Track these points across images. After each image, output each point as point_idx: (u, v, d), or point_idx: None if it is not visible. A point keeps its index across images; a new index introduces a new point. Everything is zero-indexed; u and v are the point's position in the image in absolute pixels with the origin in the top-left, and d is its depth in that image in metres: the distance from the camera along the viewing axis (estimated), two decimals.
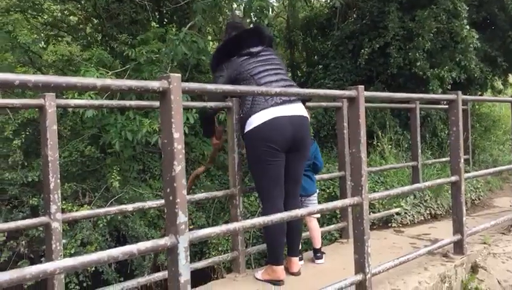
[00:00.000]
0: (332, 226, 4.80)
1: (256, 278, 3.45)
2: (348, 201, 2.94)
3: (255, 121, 3.23)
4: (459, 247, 3.84)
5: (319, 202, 5.32)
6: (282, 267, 3.37)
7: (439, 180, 4.13)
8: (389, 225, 5.15)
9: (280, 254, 3.36)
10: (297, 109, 3.31)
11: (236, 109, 3.46)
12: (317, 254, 3.90)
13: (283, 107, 3.23)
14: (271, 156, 3.23)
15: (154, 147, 6.65)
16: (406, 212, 5.23)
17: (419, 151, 5.70)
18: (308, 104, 4.29)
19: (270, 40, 3.62)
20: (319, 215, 4.21)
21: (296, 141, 3.29)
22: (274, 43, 4.66)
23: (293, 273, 3.50)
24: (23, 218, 5.81)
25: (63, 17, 8.25)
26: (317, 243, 3.92)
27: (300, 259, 3.74)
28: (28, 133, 6.17)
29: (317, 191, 4.12)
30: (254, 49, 3.43)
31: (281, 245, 3.38)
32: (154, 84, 1.90)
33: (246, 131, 3.30)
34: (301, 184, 3.74)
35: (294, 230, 3.48)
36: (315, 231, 3.93)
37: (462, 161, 3.78)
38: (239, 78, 3.35)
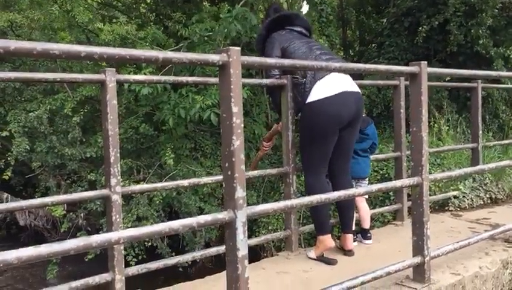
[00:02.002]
0: (386, 208, 4.70)
1: (309, 257, 3.44)
2: (407, 181, 2.84)
3: (318, 91, 3.16)
4: None
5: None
6: (329, 235, 3.36)
7: (503, 162, 3.93)
8: (446, 208, 4.97)
9: (326, 223, 3.37)
10: (353, 84, 3.30)
11: (290, 86, 3.39)
12: (367, 234, 3.87)
13: (341, 77, 3.18)
14: (331, 131, 3.19)
15: (205, 125, 6.71)
16: (464, 196, 5.03)
17: (480, 132, 5.44)
18: (362, 82, 4.22)
19: (310, 29, 3.69)
20: (367, 196, 4.16)
21: (355, 118, 3.27)
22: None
23: (348, 251, 3.47)
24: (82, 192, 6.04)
25: None
26: (366, 224, 3.89)
27: (354, 240, 3.69)
28: (86, 110, 6.36)
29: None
30: (296, 28, 3.50)
31: (327, 216, 3.41)
32: (214, 58, 1.89)
33: (308, 101, 3.20)
34: (361, 166, 3.69)
35: (348, 207, 3.46)
36: (364, 212, 3.89)
37: None
38: (288, 49, 3.32)
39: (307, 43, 3.39)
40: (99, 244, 1.61)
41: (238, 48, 1.93)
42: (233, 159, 1.92)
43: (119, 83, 4.84)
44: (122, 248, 2.71)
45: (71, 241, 1.54)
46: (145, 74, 5.29)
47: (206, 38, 5.97)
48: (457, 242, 3.12)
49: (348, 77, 3.28)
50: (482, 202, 5.12)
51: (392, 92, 4.73)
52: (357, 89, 3.30)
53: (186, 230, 1.92)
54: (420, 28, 7.27)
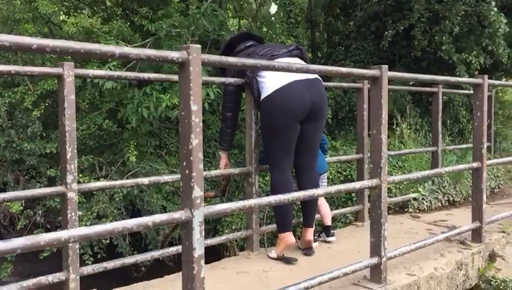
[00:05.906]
0: (347, 209, 4.76)
1: (270, 257, 3.44)
2: (366, 183, 2.88)
3: (270, 85, 3.17)
4: (477, 235, 3.76)
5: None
6: (291, 232, 3.37)
7: (460, 166, 4.04)
8: (406, 210, 5.08)
9: (288, 221, 3.38)
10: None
11: (253, 84, 3.38)
12: (330, 231, 3.91)
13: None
14: (287, 125, 3.18)
15: (171, 123, 6.63)
16: (423, 198, 5.15)
17: (440, 136, 5.58)
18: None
19: (261, 38, 3.77)
20: None
21: (313, 108, 3.22)
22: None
23: (307, 242, 3.49)
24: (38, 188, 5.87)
25: None
26: (328, 220, 3.92)
27: (315, 240, 3.71)
28: (47, 104, 6.19)
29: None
30: (248, 43, 3.54)
31: (289, 214, 3.41)
32: (174, 55, 1.86)
33: (262, 98, 3.23)
34: (318, 163, 3.71)
35: (311, 201, 3.45)
36: (324, 209, 3.91)
37: (485, 147, 3.68)
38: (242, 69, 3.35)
39: (257, 48, 3.44)
40: (48, 243, 1.56)
41: (199, 46, 1.91)
42: (191, 158, 1.89)
43: (80, 78, 4.73)
44: (77, 246, 2.64)
45: (17, 240, 1.49)
46: (109, 68, 5.18)
47: (173, 34, 5.89)
48: (414, 243, 3.19)
49: (298, 62, 3.24)
50: (440, 204, 5.26)
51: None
52: (312, 76, 3.22)
53: (141, 229, 1.88)
54: (386, 33, 7.40)
